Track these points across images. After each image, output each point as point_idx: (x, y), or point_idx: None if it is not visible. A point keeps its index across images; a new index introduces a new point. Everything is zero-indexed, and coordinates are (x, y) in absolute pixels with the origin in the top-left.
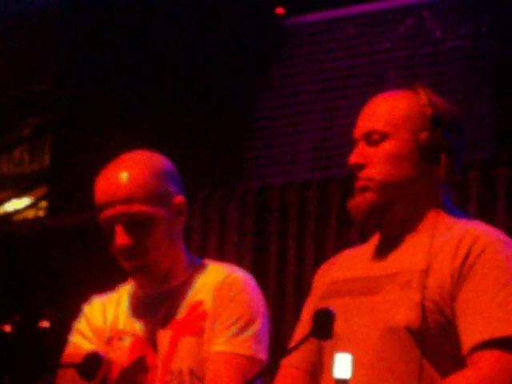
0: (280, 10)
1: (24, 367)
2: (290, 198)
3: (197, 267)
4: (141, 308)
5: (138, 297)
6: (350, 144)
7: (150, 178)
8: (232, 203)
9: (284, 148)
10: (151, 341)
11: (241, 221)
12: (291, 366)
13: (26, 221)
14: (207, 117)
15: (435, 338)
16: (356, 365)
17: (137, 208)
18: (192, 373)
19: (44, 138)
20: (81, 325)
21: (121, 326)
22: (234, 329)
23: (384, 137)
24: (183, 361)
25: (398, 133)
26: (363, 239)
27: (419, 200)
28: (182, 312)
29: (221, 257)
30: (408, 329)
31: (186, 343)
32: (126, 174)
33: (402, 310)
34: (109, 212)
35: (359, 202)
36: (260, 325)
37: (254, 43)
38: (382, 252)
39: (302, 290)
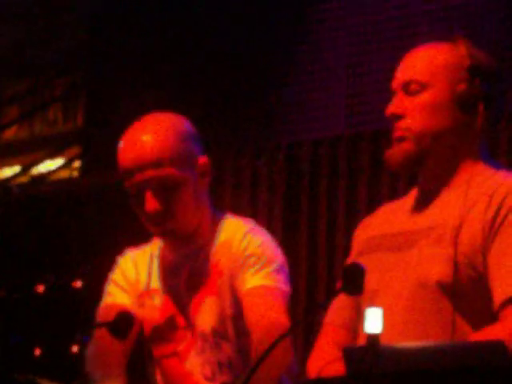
0: None
1: (58, 327)
2: (321, 155)
3: (218, 224)
4: (169, 268)
5: (166, 256)
6: (381, 100)
7: (175, 140)
8: (263, 160)
9: (314, 104)
10: (178, 301)
11: (271, 177)
12: (332, 324)
13: (59, 181)
14: (237, 73)
15: (467, 293)
16: (390, 319)
17: (166, 172)
18: (216, 332)
19: (77, 98)
20: (116, 276)
21: (152, 285)
22: (256, 266)
23: (422, 87)
24: (206, 321)
25: (437, 83)
26: (394, 195)
27: (456, 151)
28: (204, 272)
29: (252, 213)
30: (440, 284)
31: (208, 304)
32: (153, 138)
33: (435, 265)
34: (138, 177)
35: (396, 151)
36: (280, 263)
37: (286, 1)
38: (418, 206)
39: (333, 246)
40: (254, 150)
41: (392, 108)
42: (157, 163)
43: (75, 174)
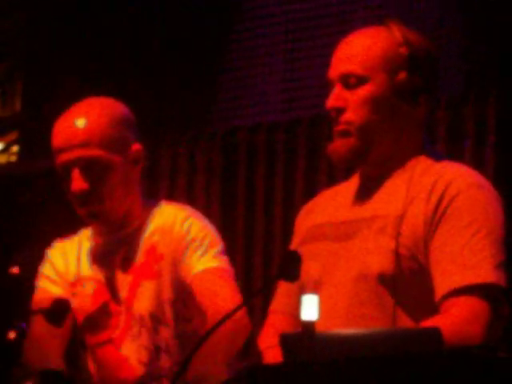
0: None
1: None
2: (258, 141)
3: (151, 210)
4: (100, 254)
5: (97, 243)
6: (317, 86)
7: (107, 123)
8: (199, 146)
9: (251, 90)
10: (112, 286)
11: (209, 164)
12: (277, 312)
13: None
14: (173, 60)
15: (409, 285)
16: (333, 310)
17: (94, 152)
18: (153, 317)
19: (14, 84)
20: (46, 269)
21: (82, 273)
22: (201, 250)
23: (362, 80)
24: (143, 305)
25: (376, 76)
26: (331, 182)
27: (399, 142)
28: (139, 256)
29: (189, 200)
30: (381, 276)
31: (145, 287)
32: (84, 119)
33: (376, 257)
34: (66, 156)
35: (339, 146)
36: (222, 245)
37: None
38: (360, 195)
39: (270, 232)
40: (190, 136)
41: (332, 101)
42: (85, 143)
43: (13, 158)
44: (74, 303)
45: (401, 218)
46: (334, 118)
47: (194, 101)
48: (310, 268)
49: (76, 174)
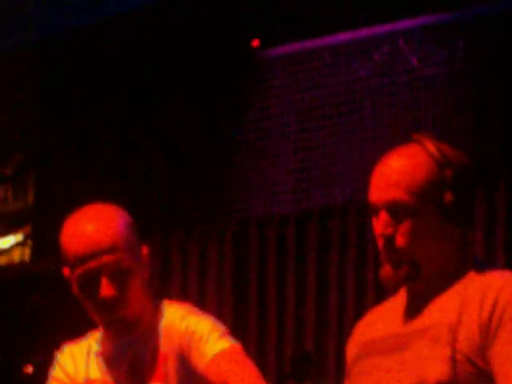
0: (256, 43)
1: None
2: (269, 235)
3: (157, 312)
4: (109, 357)
5: (106, 346)
6: (328, 175)
7: (125, 228)
8: (211, 242)
9: (262, 181)
10: None
11: (220, 259)
12: None
13: (8, 266)
14: (183, 154)
15: None
16: None
17: (121, 257)
18: None
19: (27, 177)
20: (56, 372)
21: (91, 376)
22: (204, 338)
23: (410, 213)
24: None
25: (424, 206)
26: (343, 273)
27: (449, 260)
28: (148, 358)
29: (201, 296)
30: (439, 383)
31: None
32: (105, 225)
33: (432, 365)
34: (93, 263)
35: (392, 275)
36: (223, 328)
37: (230, 76)
38: (410, 309)
39: (283, 328)
40: (201, 231)
41: (382, 229)
42: (113, 248)
43: (27, 252)
44: None
45: (455, 325)
46: (383, 245)
47: (204, 196)
48: (366, 383)
49: (105, 280)
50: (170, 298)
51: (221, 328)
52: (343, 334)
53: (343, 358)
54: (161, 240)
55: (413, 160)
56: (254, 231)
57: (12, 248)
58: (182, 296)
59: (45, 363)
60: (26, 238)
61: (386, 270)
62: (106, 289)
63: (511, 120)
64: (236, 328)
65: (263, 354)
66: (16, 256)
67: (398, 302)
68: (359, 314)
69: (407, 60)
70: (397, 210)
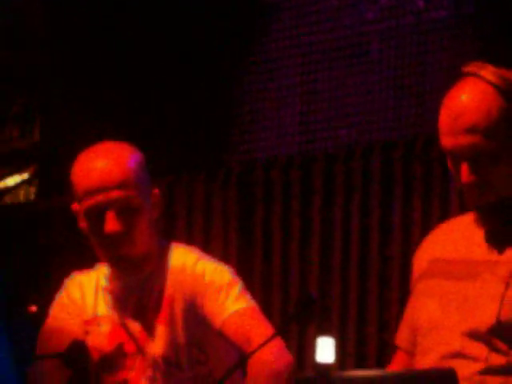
0: None
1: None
2: (274, 177)
3: (164, 253)
4: (117, 295)
5: (114, 284)
6: (335, 118)
7: (137, 166)
8: (216, 184)
9: (269, 122)
10: (127, 328)
11: (225, 201)
12: (401, 349)
13: (15, 204)
14: (186, 98)
15: None
16: (446, 350)
17: (130, 193)
18: (167, 360)
19: (33, 116)
20: (61, 298)
21: (99, 311)
22: (223, 293)
23: (494, 160)
24: (157, 349)
25: (506, 150)
26: (347, 219)
27: None
28: (154, 299)
29: (206, 239)
30: (500, 323)
31: (159, 331)
32: (116, 161)
33: (491, 304)
34: (101, 197)
35: (480, 202)
36: (241, 282)
37: (236, 18)
38: (481, 234)
39: (287, 270)
40: (207, 174)
41: (464, 178)
42: (122, 184)
43: (33, 190)
44: (89, 341)
45: None
46: (468, 190)
47: (210, 136)
48: (426, 306)
49: (111, 215)
50: (176, 239)
51: (238, 282)
52: (347, 279)
53: (347, 302)
54: (166, 183)
55: (486, 101)
56: (259, 173)
57: (18, 187)
58: (187, 238)
59: (49, 303)
60: (32, 176)
61: (472, 199)
62: (112, 224)
63: None
64: (241, 270)
65: (268, 297)
66: (22, 195)
67: (467, 224)
68: (363, 258)
69: (414, 2)
70: (478, 157)
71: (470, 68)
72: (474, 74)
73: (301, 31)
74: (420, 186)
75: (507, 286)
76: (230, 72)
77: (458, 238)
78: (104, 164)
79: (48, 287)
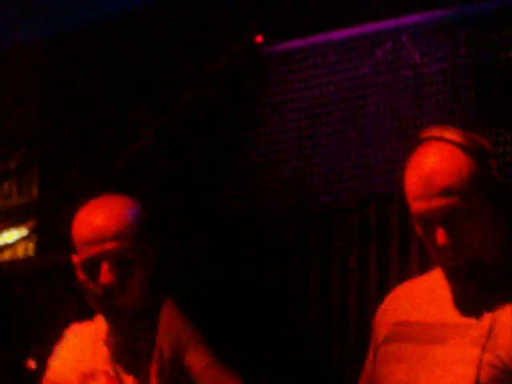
0: (259, 39)
1: None
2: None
3: (158, 309)
4: (114, 348)
5: (111, 338)
6: (333, 172)
7: (133, 219)
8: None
9: (267, 176)
10: (121, 382)
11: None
12: None
13: (14, 261)
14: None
15: None
16: None
17: (126, 245)
18: None
19: (31, 172)
20: (61, 350)
21: (96, 366)
22: (193, 343)
23: (466, 217)
24: None
25: (479, 207)
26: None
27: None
28: (149, 354)
29: None
30: None
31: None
32: (114, 213)
33: (467, 369)
34: (97, 248)
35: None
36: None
37: (234, 73)
38: (449, 296)
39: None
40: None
41: (444, 240)
42: (116, 236)
43: (32, 246)
44: None
45: (493, 327)
46: (443, 253)
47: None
48: (396, 369)
49: (106, 266)
50: None
51: (203, 338)
52: None
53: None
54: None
55: (450, 158)
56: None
57: (16, 243)
58: None
59: (47, 358)
60: (31, 232)
61: (460, 284)
62: (106, 275)
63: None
64: None
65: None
66: (20, 251)
67: (434, 285)
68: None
69: (410, 56)
70: (453, 218)
71: (433, 132)
72: (438, 138)
73: (297, 86)
74: None
75: (483, 349)
76: (228, 129)
77: (423, 299)
78: (101, 216)
79: (46, 341)
